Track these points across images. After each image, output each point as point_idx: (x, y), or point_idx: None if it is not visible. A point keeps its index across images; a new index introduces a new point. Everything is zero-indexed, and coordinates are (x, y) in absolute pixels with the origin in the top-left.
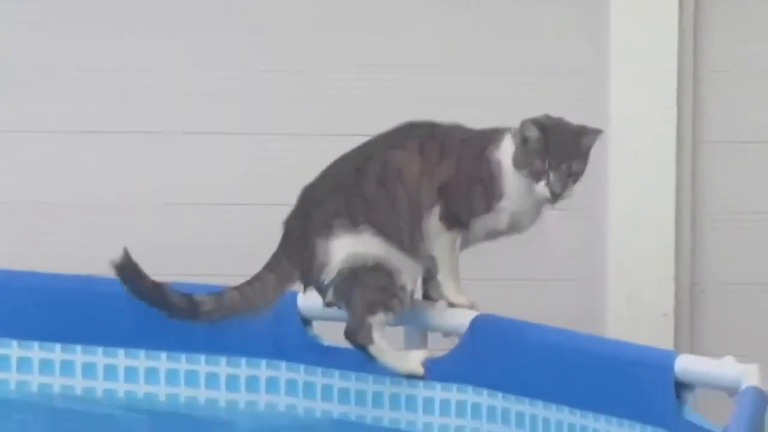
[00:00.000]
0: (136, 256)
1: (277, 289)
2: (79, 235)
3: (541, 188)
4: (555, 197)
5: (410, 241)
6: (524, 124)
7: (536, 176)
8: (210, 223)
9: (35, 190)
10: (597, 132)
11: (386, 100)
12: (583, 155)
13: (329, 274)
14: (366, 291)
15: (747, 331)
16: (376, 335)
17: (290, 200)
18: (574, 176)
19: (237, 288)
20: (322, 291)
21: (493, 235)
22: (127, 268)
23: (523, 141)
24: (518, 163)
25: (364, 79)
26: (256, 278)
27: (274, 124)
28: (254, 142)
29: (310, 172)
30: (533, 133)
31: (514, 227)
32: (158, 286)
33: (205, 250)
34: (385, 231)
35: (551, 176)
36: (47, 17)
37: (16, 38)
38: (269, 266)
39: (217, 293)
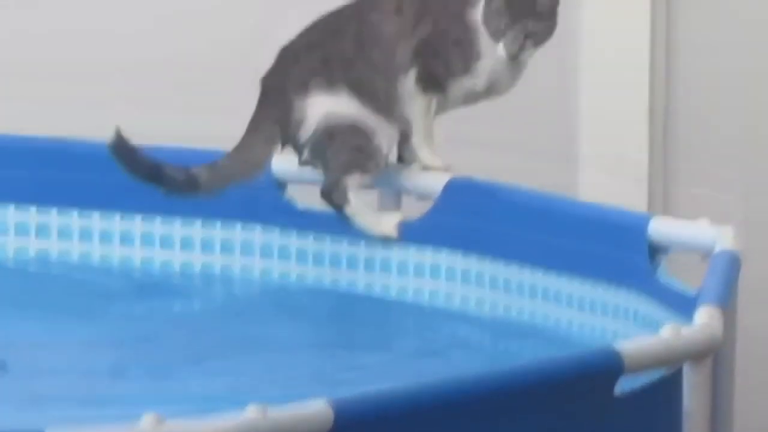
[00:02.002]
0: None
1: (266, 150)
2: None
3: (500, 48)
4: (511, 57)
5: (386, 104)
6: None
7: (496, 36)
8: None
9: None
10: None
11: None
12: (542, 15)
13: (306, 132)
14: (342, 151)
15: (722, 195)
16: (352, 196)
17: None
18: (533, 37)
19: (228, 156)
20: (298, 149)
21: (471, 98)
22: (122, 148)
23: (487, 0)
24: (485, 23)
25: None
26: (244, 143)
27: None
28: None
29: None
30: None
31: (492, 90)
32: (155, 163)
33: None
34: (361, 92)
35: (508, 36)
36: None
37: None
38: (253, 129)
39: (211, 164)
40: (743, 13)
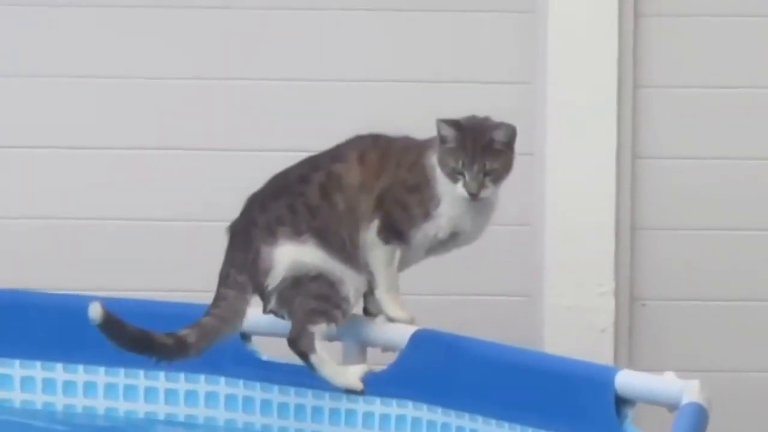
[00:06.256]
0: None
1: (241, 301)
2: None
3: (459, 188)
4: (473, 197)
5: (353, 254)
6: (439, 123)
7: (453, 176)
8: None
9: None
10: (509, 127)
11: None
12: (498, 152)
13: (273, 281)
14: (308, 300)
15: (687, 346)
16: (318, 345)
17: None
18: (492, 174)
19: (208, 313)
20: (265, 297)
21: (435, 247)
22: (109, 323)
23: (441, 141)
24: (440, 164)
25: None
26: (219, 297)
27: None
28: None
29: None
30: (448, 132)
31: (457, 236)
32: (144, 333)
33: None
34: (327, 242)
35: (466, 176)
36: None
37: None
38: (223, 282)
39: (194, 324)
40: None
